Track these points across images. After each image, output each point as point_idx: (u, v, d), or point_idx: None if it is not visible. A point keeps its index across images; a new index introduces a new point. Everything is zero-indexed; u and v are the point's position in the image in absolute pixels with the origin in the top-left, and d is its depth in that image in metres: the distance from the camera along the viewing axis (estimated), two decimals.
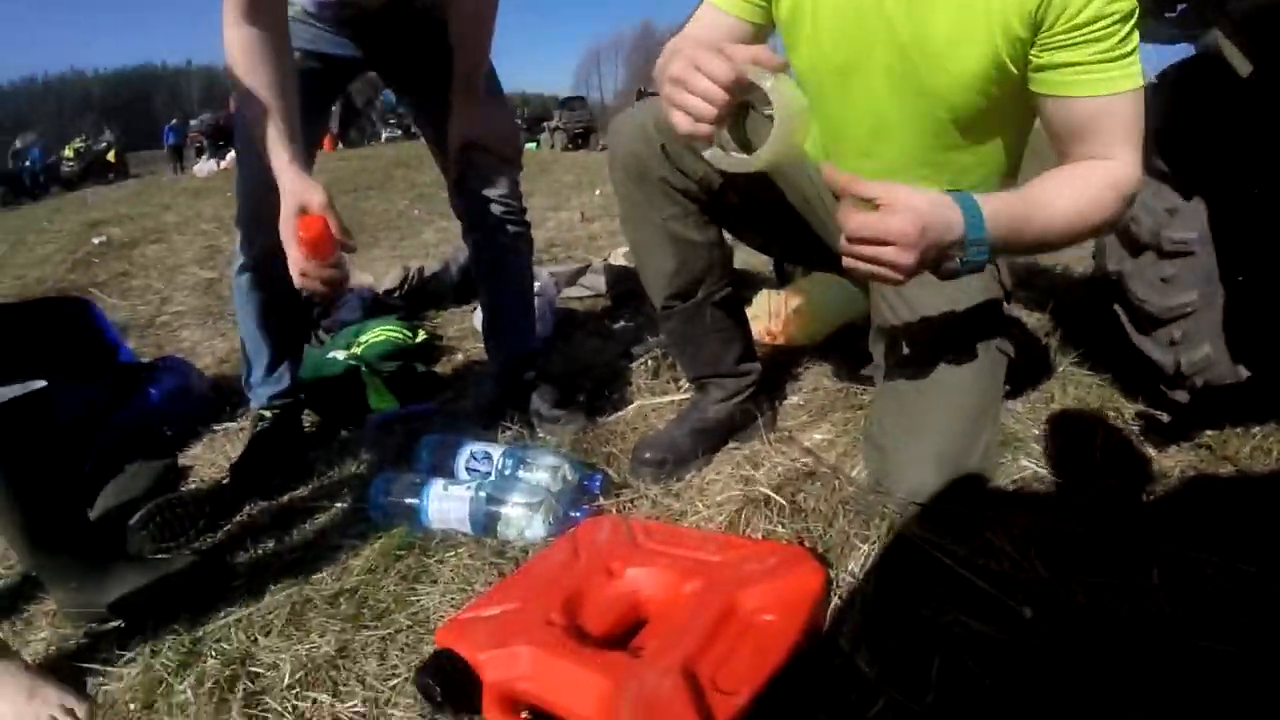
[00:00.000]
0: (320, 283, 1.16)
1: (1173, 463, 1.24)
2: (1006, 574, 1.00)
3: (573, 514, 1.22)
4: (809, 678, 0.86)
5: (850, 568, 1.05)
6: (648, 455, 1.36)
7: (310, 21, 1.45)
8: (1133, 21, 0.95)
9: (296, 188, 1.16)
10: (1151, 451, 1.27)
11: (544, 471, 1.32)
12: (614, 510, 1.27)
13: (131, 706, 1.00)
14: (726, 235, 1.39)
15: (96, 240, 3.95)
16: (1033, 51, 1.00)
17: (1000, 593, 0.96)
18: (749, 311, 1.96)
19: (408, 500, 1.28)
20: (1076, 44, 0.96)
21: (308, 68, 1.41)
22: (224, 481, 1.54)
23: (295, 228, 1.13)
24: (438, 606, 1.09)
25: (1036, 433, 1.36)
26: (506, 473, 1.34)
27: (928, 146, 1.14)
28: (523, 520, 1.21)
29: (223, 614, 1.14)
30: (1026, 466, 1.26)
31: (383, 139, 14.45)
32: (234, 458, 1.58)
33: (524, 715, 0.84)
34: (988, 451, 1.17)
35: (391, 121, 15.74)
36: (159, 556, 1.27)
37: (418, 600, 1.11)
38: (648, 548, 1.01)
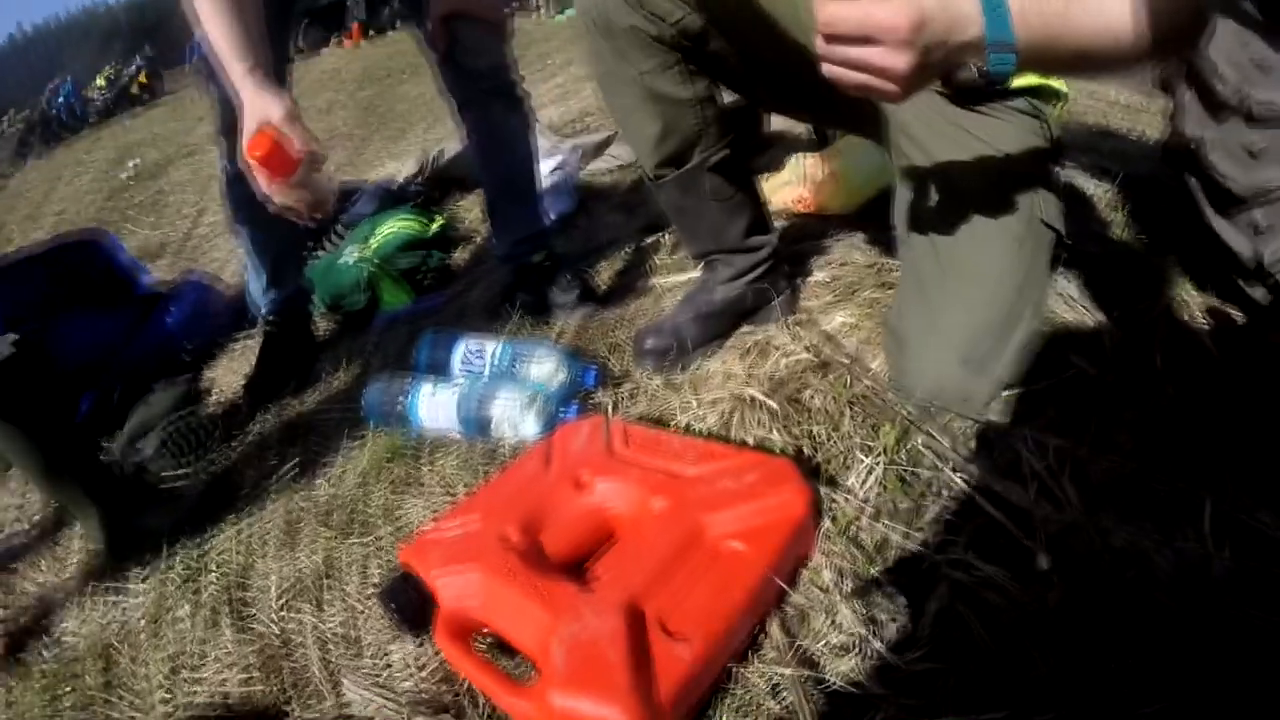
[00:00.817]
0: (291, 206, 1.07)
1: (1243, 372, 0.98)
2: (1030, 507, 0.81)
3: (564, 411, 1.14)
4: (779, 621, 0.76)
5: (849, 483, 0.89)
6: (649, 344, 1.24)
7: None
8: None
9: (255, 105, 1.04)
10: (1221, 361, 1.02)
11: (539, 366, 1.23)
12: (610, 406, 1.18)
13: (141, 625, 1.02)
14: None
15: (131, 166, 3.94)
16: None
17: (1018, 530, 0.79)
18: (780, 177, 1.78)
19: (399, 404, 1.22)
20: None
21: None
22: (239, 396, 1.52)
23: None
24: (422, 515, 1.05)
25: (1087, 326, 1.12)
26: (501, 369, 1.26)
27: None
28: (514, 419, 1.14)
29: (226, 530, 1.15)
30: (1071, 366, 1.02)
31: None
32: (248, 371, 1.56)
33: (484, 634, 0.79)
34: (1024, 348, 0.96)
35: None
36: (174, 484, 1.27)
37: (403, 511, 1.07)
38: (622, 456, 0.91)
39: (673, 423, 1.10)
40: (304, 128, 1.05)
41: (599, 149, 2.47)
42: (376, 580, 0.95)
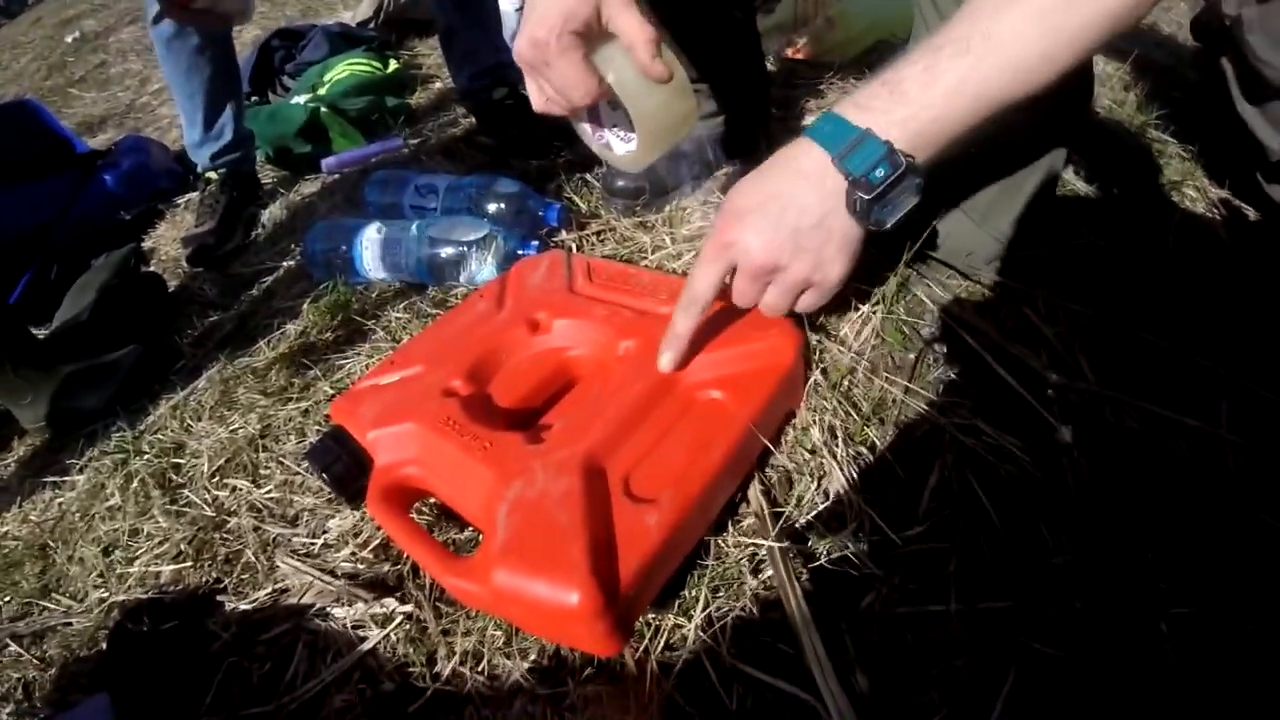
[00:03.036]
0: (197, 18, 0.92)
1: (1256, 269, 0.81)
2: (1044, 374, 0.68)
3: (523, 251, 0.96)
4: (761, 485, 0.62)
5: (842, 332, 0.74)
6: (620, 183, 1.04)
7: None
8: None
9: None
10: (1234, 254, 0.85)
11: (495, 202, 1.04)
12: (574, 246, 1.00)
13: (76, 517, 0.88)
14: None
15: (70, 38, 3.53)
16: None
17: (1033, 398, 0.65)
18: (774, 19, 1.55)
19: (343, 249, 1.04)
20: None
21: None
22: (181, 253, 1.34)
23: None
24: (362, 370, 0.90)
25: (1100, 200, 0.95)
26: (454, 206, 1.07)
27: None
28: (468, 260, 0.96)
29: (161, 403, 0.99)
30: (1084, 239, 0.86)
31: None
32: (187, 231, 1.36)
33: (430, 501, 0.65)
34: (1039, 206, 0.78)
35: None
36: (110, 355, 1.11)
37: (344, 365, 0.91)
38: (585, 293, 0.74)
39: (643, 263, 0.93)
40: None
41: None
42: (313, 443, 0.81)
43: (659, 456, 0.55)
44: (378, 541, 0.68)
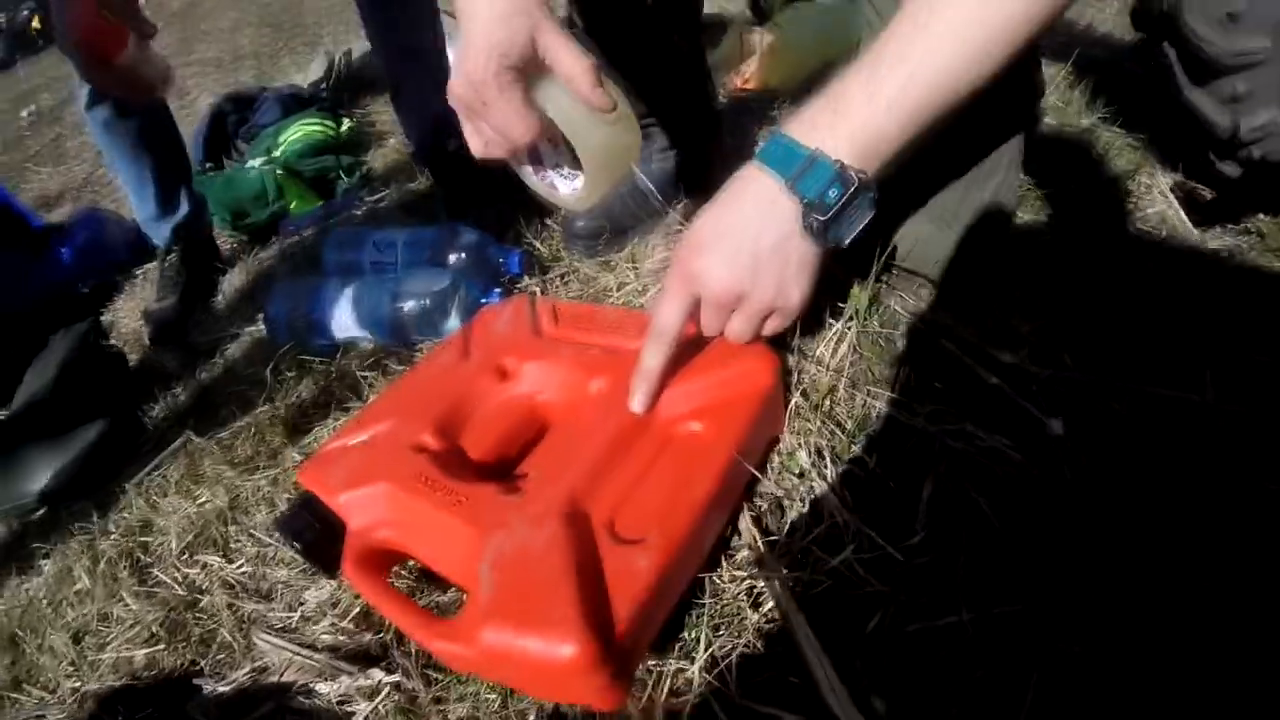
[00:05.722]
0: (119, 86, 0.90)
1: (1217, 245, 0.84)
2: (1027, 370, 0.67)
3: (487, 300, 0.93)
4: (751, 515, 0.59)
5: (818, 352, 0.72)
6: (580, 225, 1.03)
7: None
8: None
9: None
10: (1194, 233, 0.87)
11: (456, 253, 1.01)
12: (538, 291, 0.98)
13: (44, 605, 0.83)
14: None
15: (25, 113, 3.51)
16: None
17: (1019, 396, 0.64)
18: (720, 52, 1.57)
19: (305, 310, 1.01)
20: None
21: None
22: (144, 329, 1.29)
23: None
24: (331, 434, 0.85)
25: (1058, 196, 0.96)
26: (413, 260, 1.04)
27: None
28: (431, 315, 0.93)
29: (125, 481, 0.95)
30: (1045, 234, 0.88)
31: None
32: (147, 306, 1.32)
33: (410, 563, 0.61)
34: (1000, 206, 0.77)
35: None
36: (72, 429, 1.06)
37: (311, 429, 0.88)
38: (552, 336, 0.71)
39: (609, 301, 0.91)
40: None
41: None
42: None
43: (642, 495, 0.52)
44: (357, 610, 0.64)
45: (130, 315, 1.40)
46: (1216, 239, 0.85)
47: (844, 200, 0.51)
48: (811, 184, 0.51)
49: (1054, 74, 1.25)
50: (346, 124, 1.82)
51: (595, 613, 0.43)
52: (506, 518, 0.51)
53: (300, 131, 1.72)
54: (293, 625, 0.66)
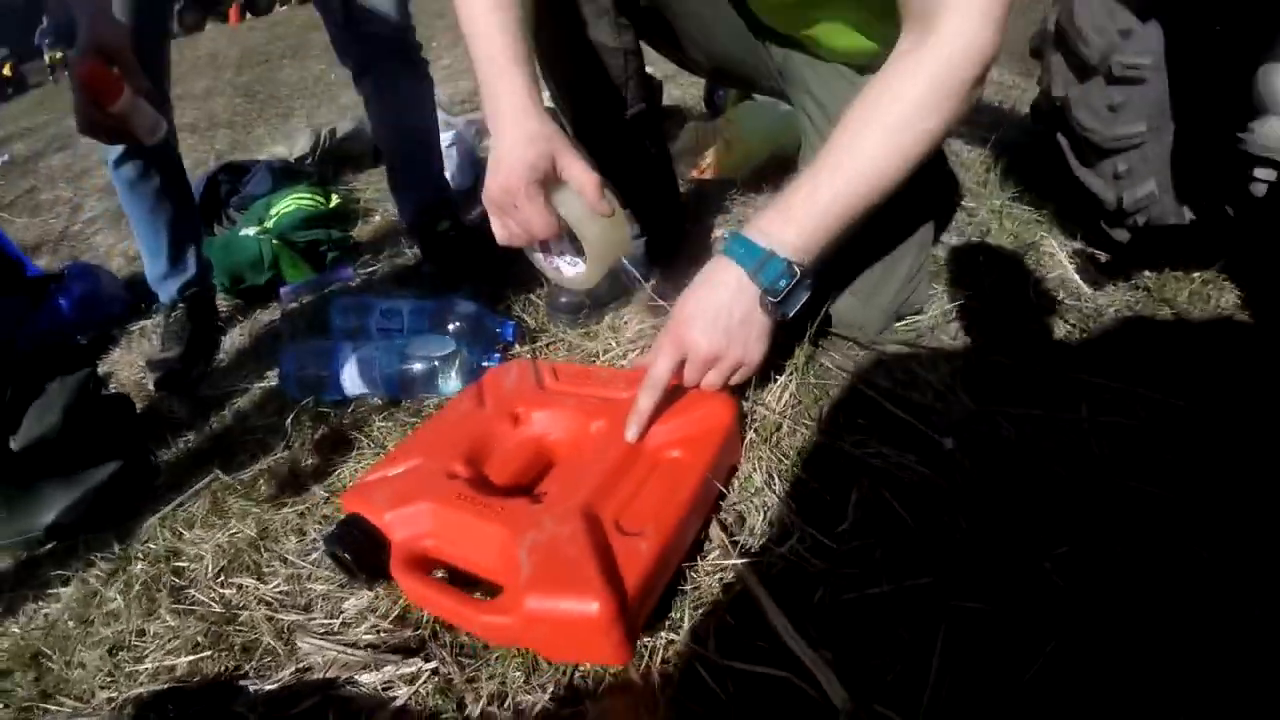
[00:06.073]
0: (110, 136, 1.02)
1: (1109, 301, 1.07)
2: (930, 406, 0.87)
3: (485, 364, 1.09)
4: (718, 523, 0.76)
5: (767, 399, 0.91)
6: (564, 300, 1.20)
7: None
8: None
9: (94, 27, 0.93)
10: (1088, 290, 1.10)
11: (456, 321, 1.17)
12: (531, 355, 1.14)
13: (70, 624, 0.90)
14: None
15: None
16: None
17: (922, 424, 0.83)
18: (680, 144, 1.80)
19: (318, 370, 1.14)
20: None
21: None
22: (144, 380, 1.38)
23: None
24: (354, 474, 0.98)
25: (970, 267, 1.19)
26: (417, 327, 1.19)
27: None
28: (436, 376, 1.08)
29: (148, 514, 1.03)
30: (957, 301, 1.09)
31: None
32: (150, 356, 1.42)
33: (440, 575, 0.74)
34: (913, 282, 1.01)
35: None
36: (84, 469, 1.13)
37: (333, 470, 1.00)
38: (554, 390, 0.88)
39: (597, 363, 1.09)
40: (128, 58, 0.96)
41: None
42: (315, 540, 0.89)
43: (640, 501, 0.69)
44: (396, 613, 0.76)
45: (128, 367, 1.48)
46: (1108, 296, 1.09)
47: (791, 286, 0.73)
48: (767, 276, 0.73)
49: (973, 159, 1.51)
50: (335, 198, 1.96)
51: (612, 582, 0.58)
52: (537, 519, 0.66)
53: (293, 203, 1.85)
54: (335, 630, 0.77)
